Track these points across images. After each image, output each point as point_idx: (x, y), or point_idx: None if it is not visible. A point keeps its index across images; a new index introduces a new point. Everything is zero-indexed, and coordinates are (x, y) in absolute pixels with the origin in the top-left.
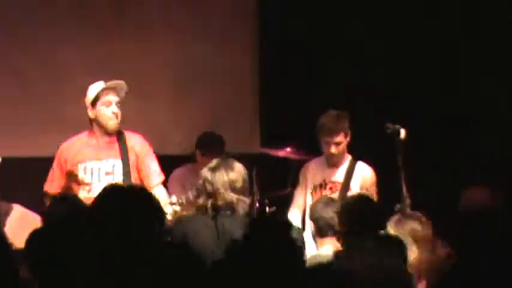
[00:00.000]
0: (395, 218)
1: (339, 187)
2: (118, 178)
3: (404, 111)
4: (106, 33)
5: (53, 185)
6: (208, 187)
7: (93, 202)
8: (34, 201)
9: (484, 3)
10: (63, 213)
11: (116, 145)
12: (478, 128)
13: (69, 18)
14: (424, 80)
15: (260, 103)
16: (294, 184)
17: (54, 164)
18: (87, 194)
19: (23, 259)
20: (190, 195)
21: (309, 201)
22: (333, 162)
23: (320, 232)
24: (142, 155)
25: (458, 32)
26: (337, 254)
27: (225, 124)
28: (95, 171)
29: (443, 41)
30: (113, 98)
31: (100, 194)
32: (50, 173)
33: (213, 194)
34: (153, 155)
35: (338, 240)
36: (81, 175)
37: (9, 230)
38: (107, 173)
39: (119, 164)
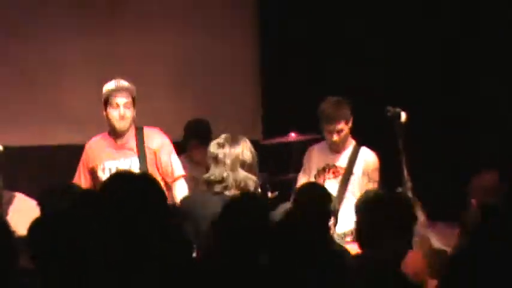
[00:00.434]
0: None
1: (341, 172)
2: None
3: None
4: (106, 22)
5: (80, 180)
6: (218, 162)
7: (99, 189)
8: (35, 189)
9: (484, 3)
10: (61, 204)
11: (133, 142)
12: (478, 128)
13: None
14: (424, 80)
15: (262, 96)
16: (297, 169)
17: (81, 162)
18: None
19: (25, 248)
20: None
21: None
22: (336, 149)
23: None
24: (159, 152)
25: (458, 32)
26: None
27: (225, 115)
28: (113, 170)
29: (443, 41)
30: (120, 100)
31: (106, 181)
32: (78, 169)
33: (222, 170)
34: (173, 149)
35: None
36: (100, 175)
37: (11, 218)
38: None
39: (136, 161)
